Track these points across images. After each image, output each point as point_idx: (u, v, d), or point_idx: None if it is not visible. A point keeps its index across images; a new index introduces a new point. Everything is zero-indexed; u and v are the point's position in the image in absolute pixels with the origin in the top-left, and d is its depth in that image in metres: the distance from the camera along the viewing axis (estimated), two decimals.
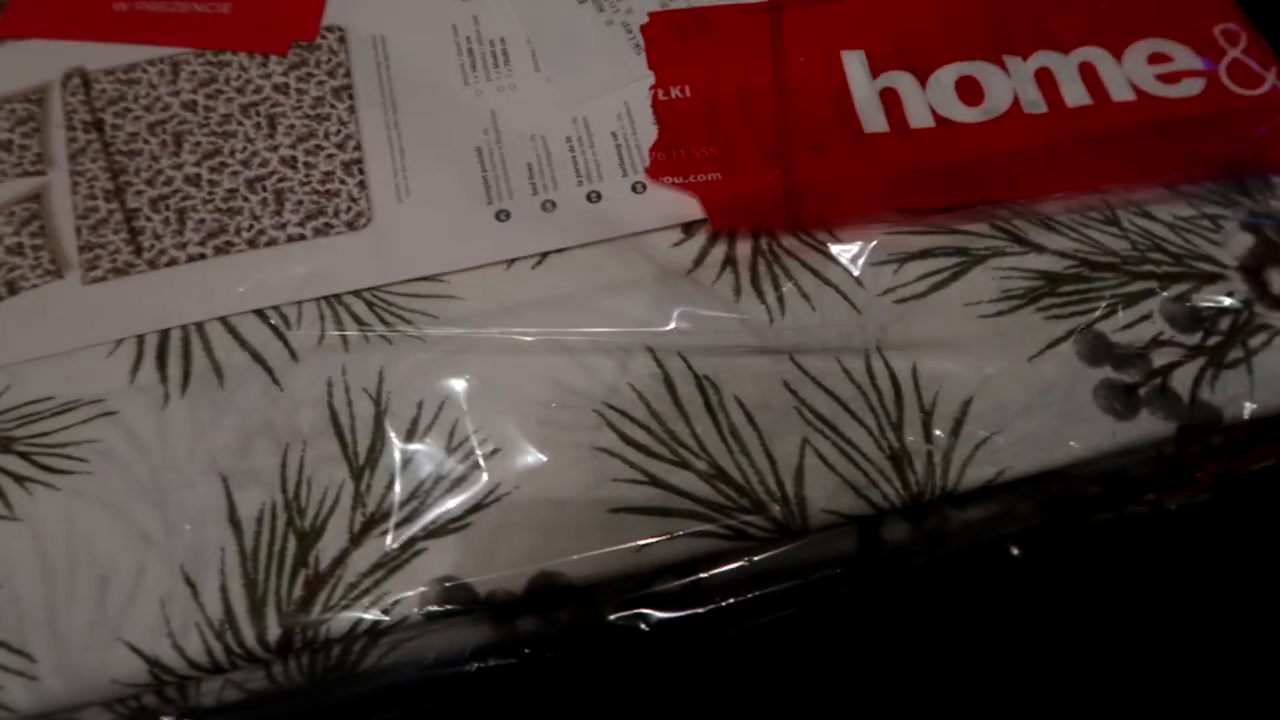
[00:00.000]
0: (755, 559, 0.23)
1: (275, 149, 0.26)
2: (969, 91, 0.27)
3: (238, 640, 0.21)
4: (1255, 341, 0.24)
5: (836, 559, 0.25)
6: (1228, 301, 0.24)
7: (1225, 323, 0.24)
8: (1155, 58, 0.27)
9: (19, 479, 0.23)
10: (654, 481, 0.23)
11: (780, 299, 0.24)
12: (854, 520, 0.23)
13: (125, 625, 0.21)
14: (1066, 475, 0.24)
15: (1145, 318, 0.24)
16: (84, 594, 0.22)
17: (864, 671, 0.28)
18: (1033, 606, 0.30)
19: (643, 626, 0.23)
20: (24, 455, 0.23)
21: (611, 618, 0.23)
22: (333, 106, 0.27)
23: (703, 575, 0.23)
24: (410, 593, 0.22)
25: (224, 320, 0.24)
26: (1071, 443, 0.23)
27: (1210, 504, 0.28)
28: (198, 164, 0.26)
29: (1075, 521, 0.27)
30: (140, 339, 0.24)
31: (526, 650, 0.24)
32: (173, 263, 0.25)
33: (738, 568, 0.23)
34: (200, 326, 0.24)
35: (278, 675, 0.23)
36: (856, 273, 0.25)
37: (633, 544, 0.22)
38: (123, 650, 0.21)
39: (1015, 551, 0.28)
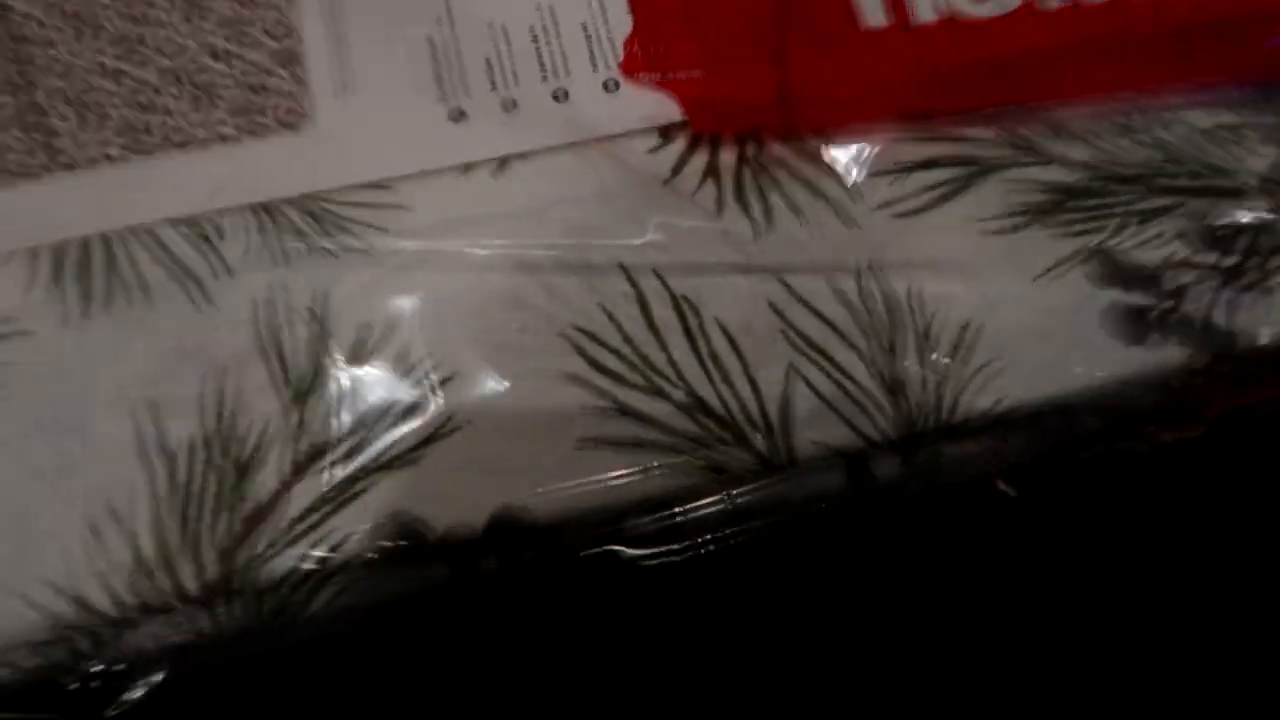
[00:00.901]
0: (735, 496, 0.21)
1: (198, 36, 0.24)
2: None
3: (171, 578, 0.19)
4: (1274, 264, 0.22)
5: (823, 495, 0.23)
6: (1247, 218, 0.22)
7: (1243, 242, 0.23)
8: None
9: None
10: (626, 411, 0.21)
11: (767, 212, 0.23)
12: (843, 454, 0.21)
13: (48, 565, 0.19)
14: (1068, 406, 0.23)
15: (1159, 235, 0.22)
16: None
17: (848, 610, 0.27)
18: (1023, 550, 0.29)
19: (614, 565, 0.22)
20: None
21: (582, 556, 0.22)
22: None
23: (679, 511, 0.22)
24: (358, 530, 0.20)
25: (145, 229, 0.22)
26: (1077, 369, 0.22)
27: (1207, 438, 0.27)
28: (114, 55, 0.23)
29: (1070, 456, 0.25)
30: (54, 250, 0.22)
31: (487, 592, 0.22)
32: (92, 163, 0.22)
33: (716, 507, 0.22)
34: (118, 236, 0.22)
35: (221, 618, 0.21)
36: (852, 184, 0.23)
37: (603, 478, 0.20)
38: (18, 603, 0.19)
39: (1005, 489, 0.26)
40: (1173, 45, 0.24)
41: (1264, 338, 0.22)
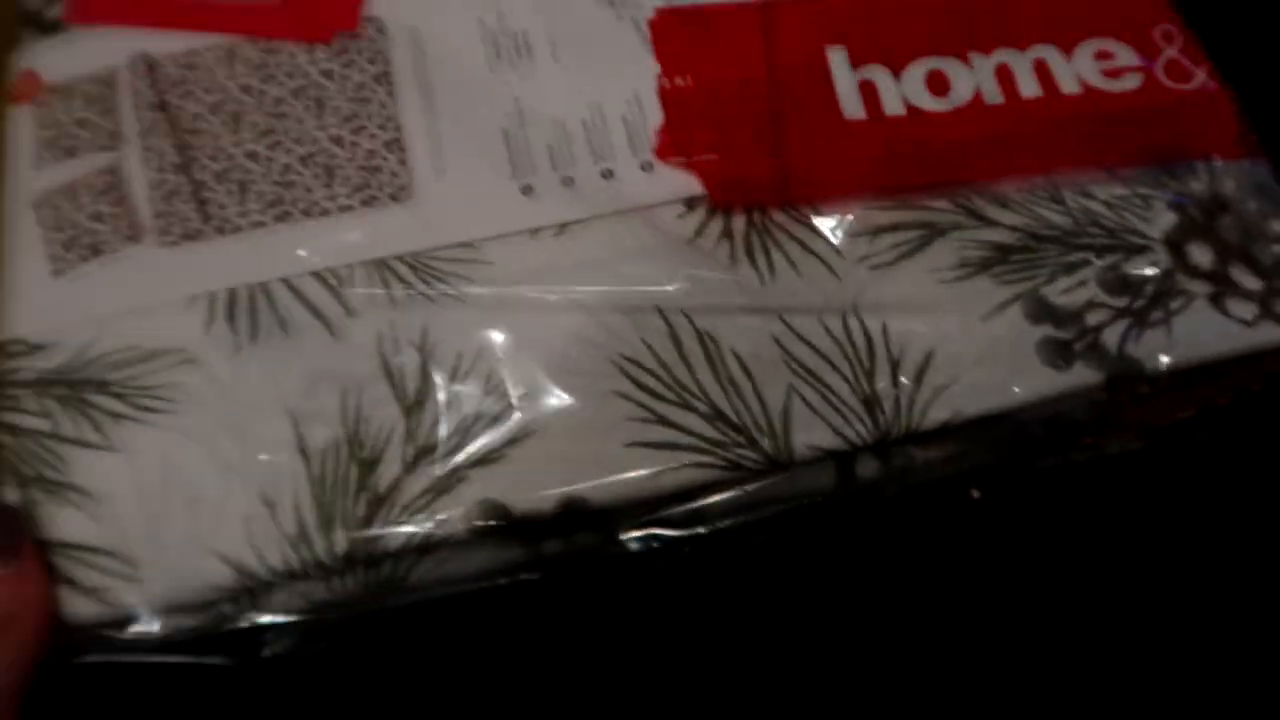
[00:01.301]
0: (748, 488, 0.27)
1: (324, 129, 0.30)
2: (937, 84, 0.30)
3: (311, 551, 0.25)
4: (1174, 305, 0.28)
5: (816, 491, 0.29)
6: (1151, 270, 0.28)
7: (1149, 289, 0.28)
8: (1101, 55, 0.31)
9: (114, 415, 0.26)
10: (662, 420, 0.26)
11: (770, 265, 0.28)
12: (832, 455, 0.27)
13: (215, 538, 0.25)
14: (1013, 418, 0.28)
15: (1081, 284, 0.28)
16: (177, 513, 0.25)
17: (840, 598, 0.32)
18: (991, 546, 0.34)
19: (653, 544, 0.27)
20: (118, 396, 0.27)
21: (624, 537, 0.27)
22: (374, 91, 0.30)
23: (703, 502, 0.27)
24: (456, 511, 0.25)
25: (286, 280, 0.28)
26: (1015, 389, 0.27)
27: (1145, 452, 0.32)
28: (255, 142, 0.30)
29: (1025, 463, 0.31)
30: (212, 296, 0.28)
31: (549, 569, 0.28)
32: (237, 230, 0.28)
33: (733, 496, 0.27)
34: (265, 285, 0.28)
35: (336, 587, 0.27)
36: (836, 243, 0.29)
37: (645, 471, 0.26)
38: (214, 560, 0.25)
39: (975, 495, 0.32)
40: (1090, 132, 0.30)
41: (1164, 364, 0.28)
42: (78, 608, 0.25)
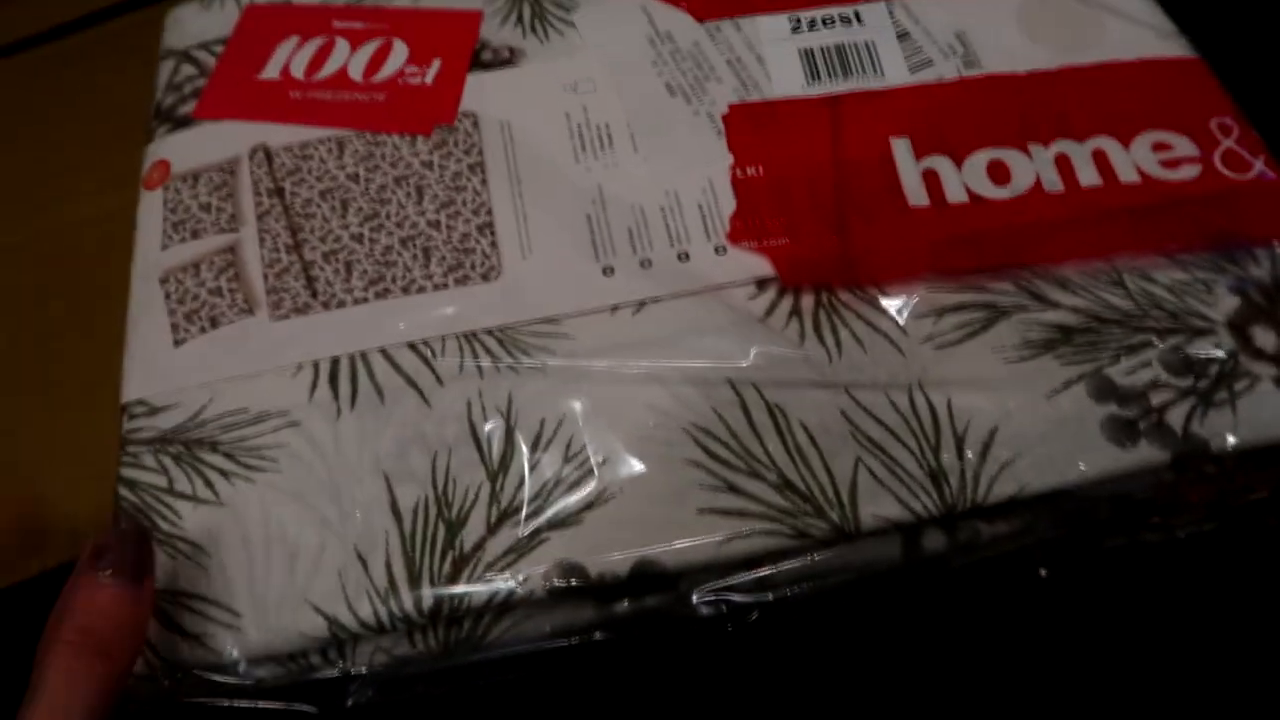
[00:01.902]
0: (815, 557, 0.28)
1: (423, 214, 0.32)
2: (998, 173, 0.32)
3: (399, 606, 0.27)
4: (1239, 386, 0.28)
5: (882, 561, 0.29)
6: (1215, 352, 0.29)
7: (1214, 370, 0.29)
8: (1158, 146, 0.32)
9: (224, 473, 0.28)
10: (733, 489, 0.28)
11: (838, 343, 0.30)
12: (898, 527, 0.28)
13: (311, 591, 0.27)
14: (1078, 495, 0.29)
15: (1145, 365, 0.29)
16: (277, 565, 0.27)
17: (905, 671, 0.32)
18: (1059, 624, 0.34)
19: (722, 610, 0.28)
20: (227, 455, 0.29)
21: (695, 600, 0.28)
22: (468, 179, 0.33)
23: (770, 570, 0.28)
24: (536, 571, 0.27)
25: (383, 351, 0.30)
26: (1081, 466, 0.28)
27: (1216, 535, 0.32)
28: (360, 225, 0.32)
29: (1092, 542, 0.31)
30: (316, 364, 0.30)
31: (620, 630, 0.29)
32: (342, 304, 0.31)
33: (800, 565, 0.28)
34: (364, 355, 0.30)
35: (418, 642, 0.28)
36: (902, 323, 0.30)
37: (716, 538, 0.27)
38: (309, 611, 0.26)
39: (1043, 573, 0.32)
40: (1149, 218, 0.31)
41: (1230, 443, 0.28)
42: (182, 652, 0.26)
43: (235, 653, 0.26)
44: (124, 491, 0.29)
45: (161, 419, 0.30)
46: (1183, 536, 0.32)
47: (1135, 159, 0.32)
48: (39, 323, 0.42)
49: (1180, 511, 0.31)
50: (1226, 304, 0.30)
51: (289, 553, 0.27)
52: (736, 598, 0.28)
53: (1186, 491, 0.30)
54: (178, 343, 0.31)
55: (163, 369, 0.30)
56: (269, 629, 0.26)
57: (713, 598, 0.28)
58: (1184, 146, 0.32)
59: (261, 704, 0.27)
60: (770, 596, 0.28)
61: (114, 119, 0.48)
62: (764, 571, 0.28)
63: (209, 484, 0.28)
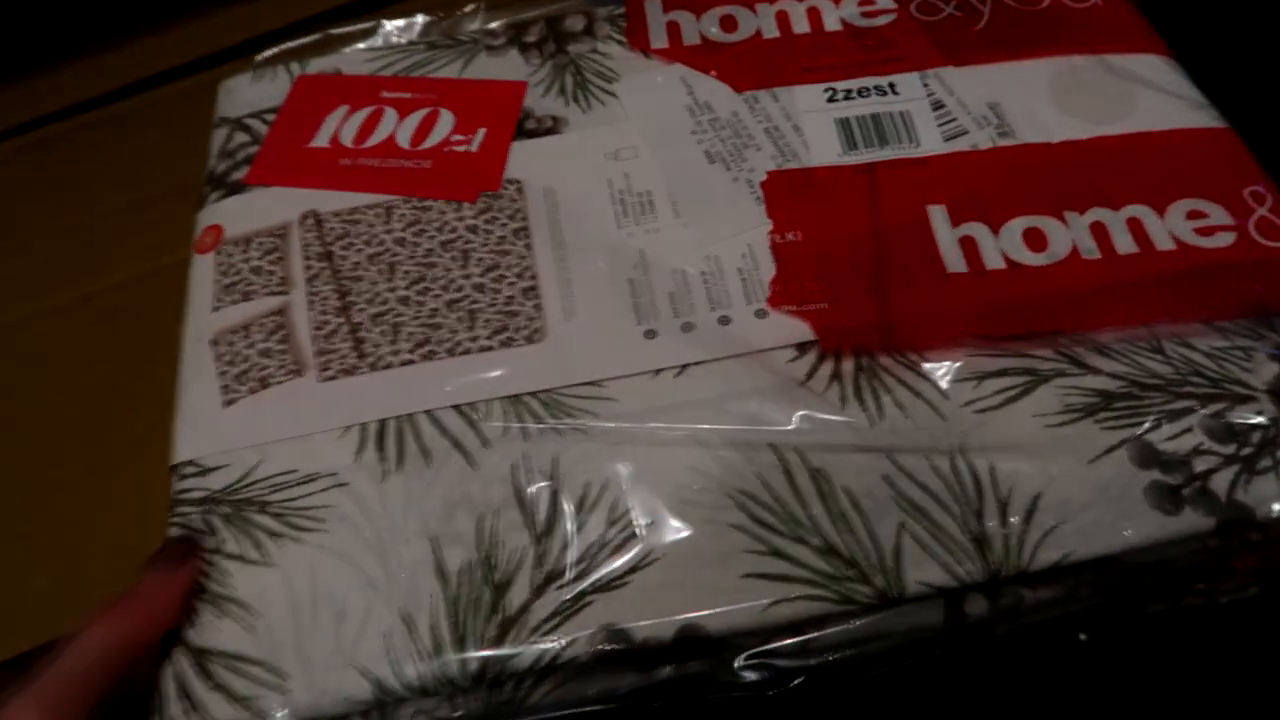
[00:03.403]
0: (858, 622, 0.28)
1: (468, 277, 0.33)
2: (1034, 240, 0.32)
3: (444, 669, 0.27)
4: None
5: (926, 627, 0.29)
6: (1258, 419, 0.29)
7: (1256, 436, 0.29)
8: (1193, 214, 0.33)
9: (272, 534, 0.29)
10: (777, 553, 0.28)
11: (879, 407, 0.30)
12: (942, 592, 0.28)
13: (357, 652, 0.27)
14: (1123, 561, 0.28)
15: (1187, 430, 0.29)
16: (324, 627, 0.27)
17: None
18: (1100, 689, 0.34)
19: (764, 674, 0.28)
20: (276, 516, 0.29)
21: (739, 665, 0.28)
22: (513, 244, 0.34)
23: (814, 635, 0.28)
24: (581, 635, 0.27)
25: (429, 413, 0.31)
26: (1126, 533, 0.27)
27: (1260, 599, 0.32)
28: (407, 288, 0.33)
29: (1134, 608, 0.31)
30: (363, 426, 0.30)
31: (663, 696, 0.29)
32: (389, 366, 0.31)
33: (844, 629, 0.28)
34: (411, 417, 0.31)
35: (459, 705, 0.28)
36: (943, 387, 0.30)
37: (761, 603, 0.27)
38: (354, 673, 0.27)
39: (1083, 637, 0.32)
40: (1186, 285, 0.31)
41: (1275, 511, 0.28)
42: (229, 713, 0.26)
43: (281, 715, 0.26)
44: None
45: (211, 479, 0.30)
46: (1225, 602, 0.32)
47: (1170, 227, 0.32)
48: (88, 385, 0.43)
49: (1224, 578, 0.31)
50: (1266, 371, 0.30)
51: (335, 614, 0.27)
52: (780, 662, 0.28)
53: (1231, 559, 0.29)
54: (228, 403, 0.31)
55: (213, 429, 0.31)
56: (315, 691, 0.26)
57: (756, 662, 0.28)
58: (1218, 214, 0.33)
59: None
60: (813, 661, 0.28)
61: (162, 183, 0.49)
62: (807, 636, 0.28)
63: (257, 545, 0.29)
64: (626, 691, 0.28)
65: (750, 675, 0.28)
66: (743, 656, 0.28)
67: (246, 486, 0.30)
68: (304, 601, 0.28)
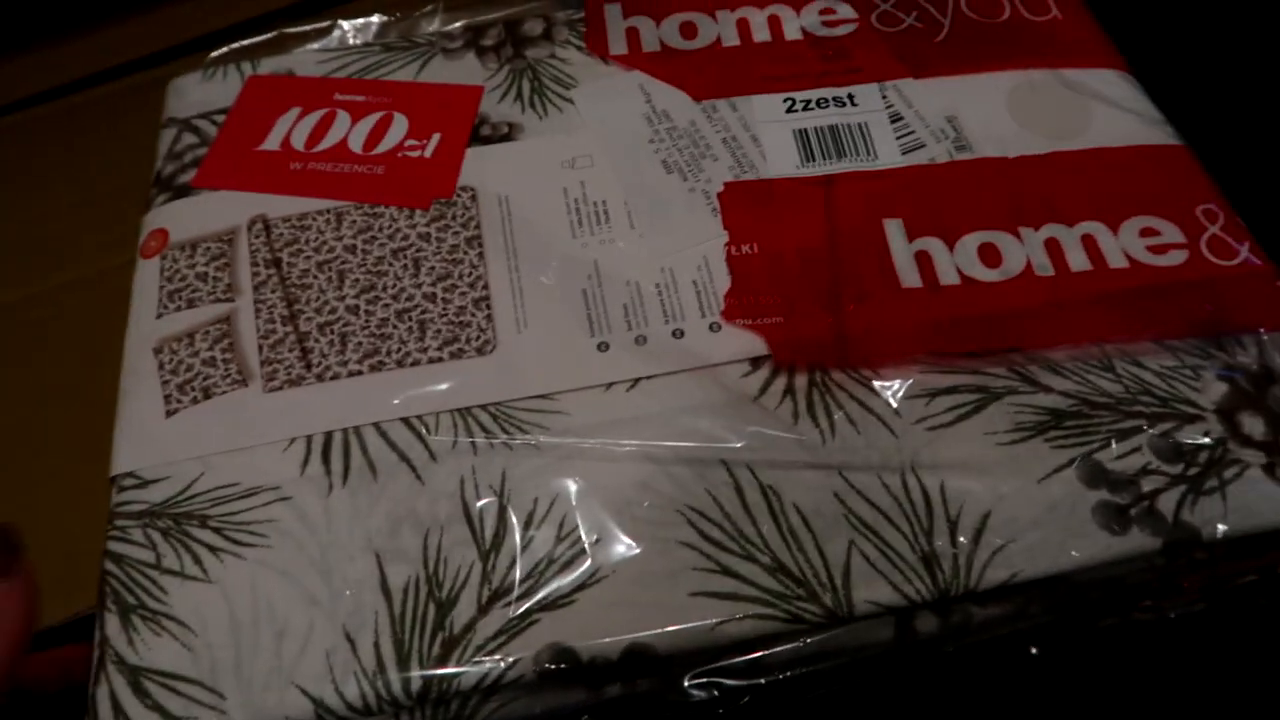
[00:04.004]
0: (808, 641, 0.28)
1: (419, 286, 0.33)
2: (989, 255, 0.32)
3: (386, 688, 0.26)
4: (1228, 473, 0.29)
5: (875, 645, 0.29)
6: (1205, 439, 0.29)
7: (1203, 456, 0.29)
8: (1145, 231, 0.33)
9: (213, 549, 0.28)
10: (726, 571, 0.28)
11: (831, 424, 0.30)
12: (891, 611, 0.27)
13: (297, 671, 0.26)
14: (1071, 580, 0.29)
15: (1135, 450, 0.29)
16: (265, 645, 0.27)
17: None
18: (1050, 702, 0.34)
19: (713, 693, 0.28)
20: (217, 530, 0.28)
21: (687, 684, 0.28)
22: (465, 253, 0.33)
23: (763, 653, 0.28)
24: (527, 654, 0.26)
25: (377, 425, 0.30)
26: (1073, 552, 0.28)
27: (1207, 613, 0.32)
28: (356, 297, 0.32)
29: (1084, 623, 0.31)
30: (309, 438, 0.30)
31: (610, 714, 0.28)
32: (336, 377, 0.31)
33: (793, 648, 0.28)
34: (358, 430, 0.30)
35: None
36: (894, 404, 0.30)
37: (709, 622, 0.27)
38: (295, 693, 0.26)
39: (1034, 651, 0.32)
40: (1138, 303, 0.31)
41: (1220, 531, 0.28)
42: None
43: None
44: (110, 566, 0.28)
45: (151, 491, 0.29)
46: (1173, 616, 0.32)
47: (1123, 244, 0.32)
48: (29, 386, 0.42)
49: (1172, 595, 0.31)
50: (1214, 390, 0.30)
51: (277, 632, 0.27)
52: (728, 681, 0.28)
53: (1178, 577, 0.30)
54: (170, 413, 0.31)
55: (154, 440, 0.30)
56: (253, 711, 0.26)
57: (704, 681, 0.28)
58: (1171, 233, 0.33)
59: None
60: (763, 680, 0.28)
61: (112, 180, 0.48)
62: (756, 654, 0.28)
63: (197, 560, 0.28)
64: (574, 710, 0.28)
65: (699, 694, 0.28)
66: (691, 675, 0.28)
67: (187, 500, 0.29)
68: (245, 619, 0.27)
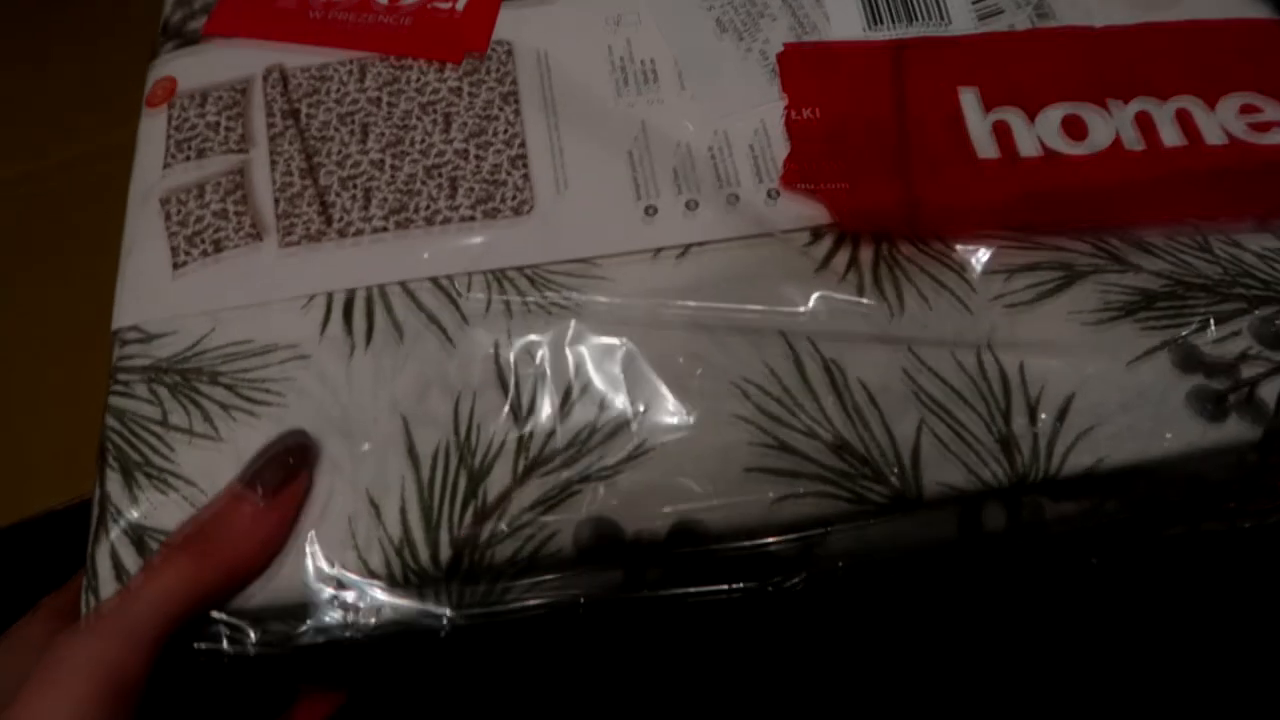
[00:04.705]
0: (871, 524, 0.25)
1: (450, 143, 0.30)
2: (1074, 128, 0.30)
3: (414, 557, 0.24)
4: None
5: (937, 538, 0.27)
6: None
7: None
8: (1246, 109, 0.30)
9: (224, 406, 0.26)
10: (785, 447, 0.25)
11: (900, 298, 0.27)
12: (964, 496, 0.25)
13: (316, 537, 0.24)
14: (1153, 476, 0.26)
15: (1235, 334, 0.26)
16: None
17: (946, 652, 0.30)
18: (1106, 616, 0.32)
19: (762, 579, 0.26)
20: (229, 388, 0.26)
21: (732, 568, 0.26)
22: (500, 109, 0.30)
23: (818, 536, 0.26)
24: (566, 528, 0.24)
25: (404, 285, 0.27)
26: (1166, 437, 0.25)
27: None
28: (382, 151, 0.30)
29: (1154, 529, 0.29)
30: (329, 296, 0.27)
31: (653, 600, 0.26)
32: (359, 234, 0.28)
33: (851, 535, 0.26)
34: (383, 290, 0.27)
35: (427, 598, 0.25)
36: (970, 279, 0.27)
37: (767, 497, 0.24)
38: (313, 560, 0.24)
39: (1094, 561, 0.30)
40: (1238, 182, 0.29)
41: None
42: None
43: (228, 603, 0.24)
44: (111, 422, 0.26)
45: (157, 346, 0.27)
46: (1247, 527, 0.30)
47: (1221, 120, 0.30)
48: (30, 263, 0.40)
49: (1256, 497, 0.28)
50: None
51: None
52: (780, 565, 0.25)
53: (1268, 478, 0.27)
54: (177, 267, 0.28)
55: (160, 296, 0.28)
56: (267, 576, 0.24)
57: (754, 566, 0.26)
58: (1273, 111, 0.30)
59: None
60: (816, 567, 0.26)
61: (114, 60, 0.45)
62: (810, 536, 0.25)
63: (208, 418, 0.26)
64: (611, 597, 0.26)
65: (748, 581, 0.26)
66: (740, 559, 0.26)
67: (196, 355, 0.27)
68: None
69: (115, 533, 0.24)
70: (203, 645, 0.23)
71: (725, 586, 0.26)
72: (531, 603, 0.26)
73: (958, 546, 0.27)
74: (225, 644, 0.23)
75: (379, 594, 0.24)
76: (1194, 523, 0.29)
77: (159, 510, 0.24)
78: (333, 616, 0.24)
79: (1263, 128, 0.30)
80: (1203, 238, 0.28)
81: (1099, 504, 0.27)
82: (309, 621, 0.24)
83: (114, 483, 0.25)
